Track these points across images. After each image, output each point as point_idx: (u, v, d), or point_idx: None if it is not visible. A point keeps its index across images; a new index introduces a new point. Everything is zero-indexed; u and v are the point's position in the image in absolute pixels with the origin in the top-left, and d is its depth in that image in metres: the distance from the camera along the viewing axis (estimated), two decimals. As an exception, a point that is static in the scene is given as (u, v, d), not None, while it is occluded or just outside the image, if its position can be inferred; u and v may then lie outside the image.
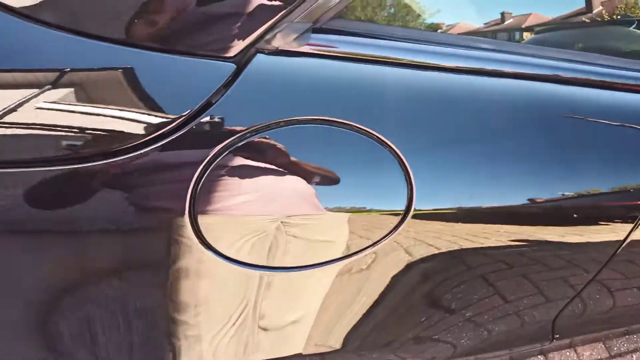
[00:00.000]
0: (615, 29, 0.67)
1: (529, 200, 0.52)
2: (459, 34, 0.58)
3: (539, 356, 1.29)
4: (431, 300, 0.57)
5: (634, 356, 1.34)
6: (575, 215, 0.55)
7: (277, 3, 0.40)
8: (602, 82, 0.55)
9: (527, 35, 0.63)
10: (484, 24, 0.58)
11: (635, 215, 0.57)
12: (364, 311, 0.51)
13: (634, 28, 0.66)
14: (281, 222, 0.42)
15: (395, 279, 0.50)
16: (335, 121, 0.42)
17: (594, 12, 0.71)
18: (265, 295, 0.45)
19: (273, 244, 0.43)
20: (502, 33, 0.61)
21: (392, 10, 0.53)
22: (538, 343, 0.76)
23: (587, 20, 0.71)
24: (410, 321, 0.58)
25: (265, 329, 0.48)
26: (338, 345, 0.51)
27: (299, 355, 0.50)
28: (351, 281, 0.49)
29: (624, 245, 0.58)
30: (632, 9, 0.77)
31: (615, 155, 0.55)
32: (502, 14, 0.59)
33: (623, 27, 0.71)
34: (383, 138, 0.43)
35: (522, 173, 0.51)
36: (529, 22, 0.63)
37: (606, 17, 0.72)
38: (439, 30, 0.55)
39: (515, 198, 0.51)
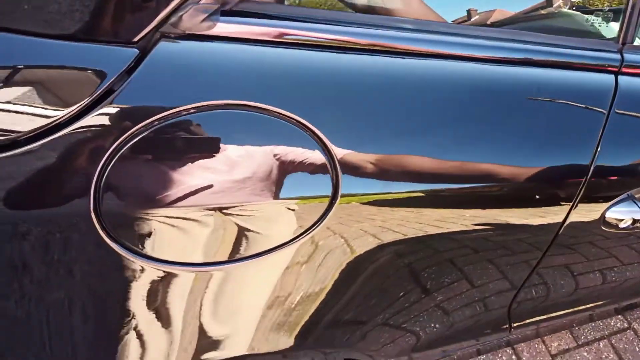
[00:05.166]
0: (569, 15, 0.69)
1: (492, 182, 0.54)
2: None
3: (507, 349, 1.22)
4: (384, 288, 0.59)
5: (601, 344, 1.28)
6: (537, 197, 0.59)
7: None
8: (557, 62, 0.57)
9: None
10: (452, 21, 0.56)
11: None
12: (317, 304, 0.53)
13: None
14: (200, 214, 0.41)
15: (345, 269, 0.52)
16: (251, 105, 0.40)
17: (554, 5, 0.71)
18: (201, 294, 0.45)
19: (191, 238, 0.42)
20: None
21: None
22: (498, 332, 0.82)
23: (546, 12, 0.71)
24: (368, 311, 0.60)
25: (205, 330, 0.48)
26: (291, 342, 0.54)
27: (253, 355, 0.52)
28: (298, 272, 0.49)
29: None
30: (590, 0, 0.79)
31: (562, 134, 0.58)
32: (469, 11, 0.57)
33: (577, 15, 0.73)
34: (305, 122, 0.42)
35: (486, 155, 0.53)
36: (494, 17, 0.61)
37: (565, 9, 0.73)
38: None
39: (479, 180, 0.53)
